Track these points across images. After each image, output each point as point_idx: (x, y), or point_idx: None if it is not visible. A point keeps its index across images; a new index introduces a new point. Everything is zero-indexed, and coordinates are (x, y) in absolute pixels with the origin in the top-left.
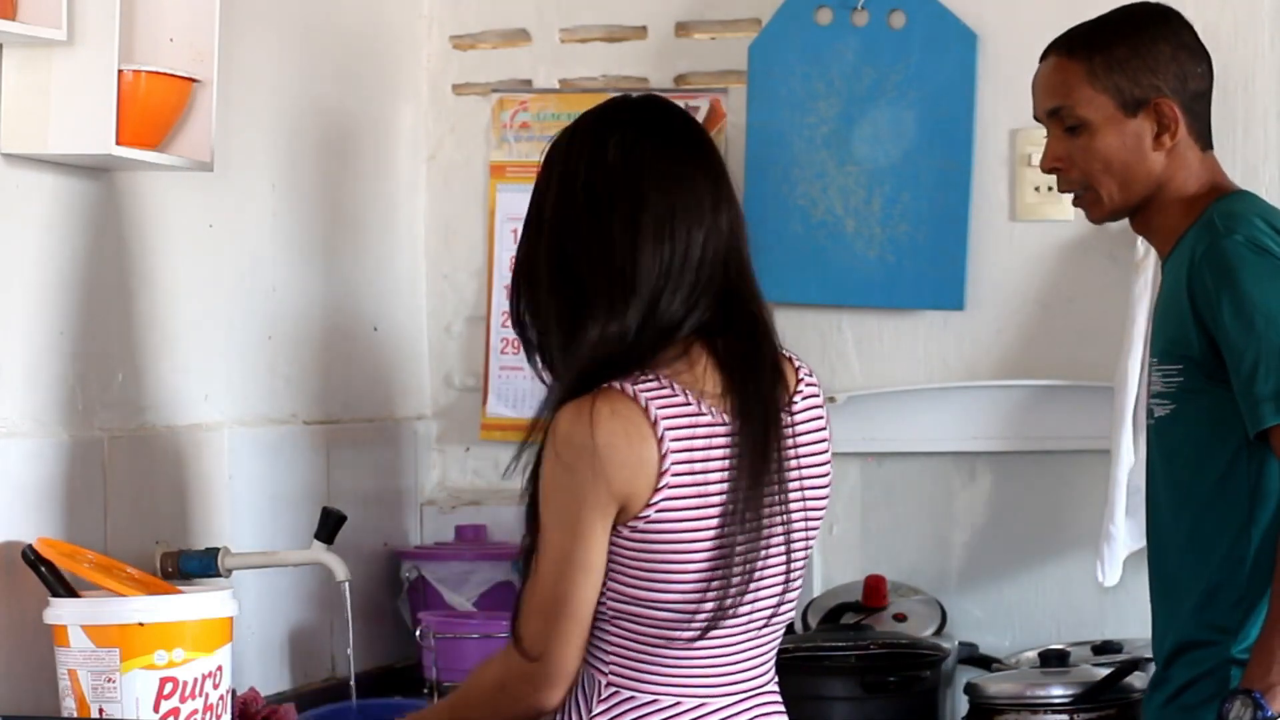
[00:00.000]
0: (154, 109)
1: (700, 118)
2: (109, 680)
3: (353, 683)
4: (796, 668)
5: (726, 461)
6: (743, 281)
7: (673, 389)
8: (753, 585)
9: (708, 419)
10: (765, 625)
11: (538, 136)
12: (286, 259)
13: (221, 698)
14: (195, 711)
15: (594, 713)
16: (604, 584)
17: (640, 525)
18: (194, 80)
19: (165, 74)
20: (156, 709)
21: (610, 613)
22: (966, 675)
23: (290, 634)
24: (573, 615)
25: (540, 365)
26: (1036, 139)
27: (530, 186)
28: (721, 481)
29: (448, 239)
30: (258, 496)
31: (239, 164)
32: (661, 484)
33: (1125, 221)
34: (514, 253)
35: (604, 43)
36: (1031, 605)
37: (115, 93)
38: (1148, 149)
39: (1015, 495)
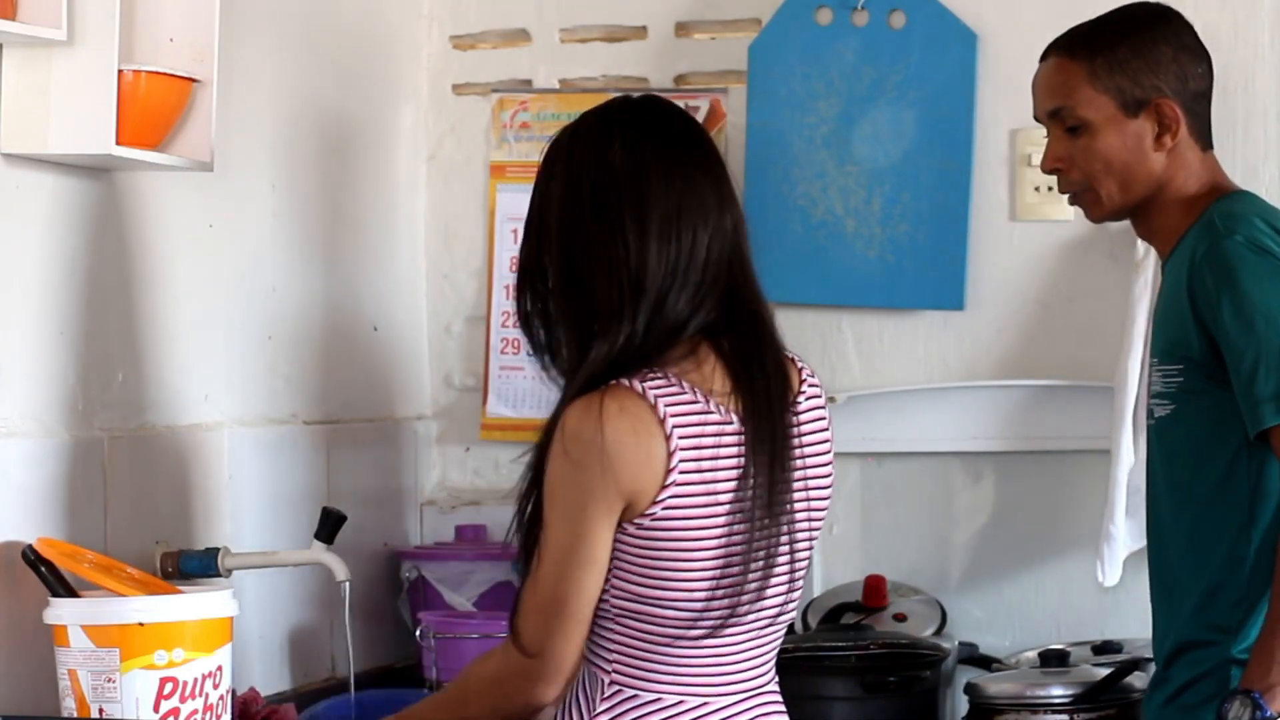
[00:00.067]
0: (154, 109)
1: (700, 118)
2: (109, 680)
3: (351, 681)
4: (796, 668)
5: (736, 460)
6: (746, 281)
7: (681, 386)
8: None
9: (716, 416)
10: (769, 625)
11: (538, 136)
12: (286, 259)
13: (221, 698)
14: (195, 711)
15: (597, 711)
16: (608, 581)
17: (646, 523)
18: (194, 80)
19: (165, 74)
20: (156, 709)
21: (614, 610)
22: (966, 675)
23: (290, 634)
24: (573, 612)
25: (547, 365)
26: (1036, 139)
27: (530, 187)
28: (730, 480)
29: (448, 239)
30: (258, 496)
31: (239, 164)
32: (669, 481)
33: (1126, 221)
34: (515, 253)
35: (604, 43)
36: (1031, 605)
37: (115, 93)
38: (1149, 149)
39: (1015, 495)
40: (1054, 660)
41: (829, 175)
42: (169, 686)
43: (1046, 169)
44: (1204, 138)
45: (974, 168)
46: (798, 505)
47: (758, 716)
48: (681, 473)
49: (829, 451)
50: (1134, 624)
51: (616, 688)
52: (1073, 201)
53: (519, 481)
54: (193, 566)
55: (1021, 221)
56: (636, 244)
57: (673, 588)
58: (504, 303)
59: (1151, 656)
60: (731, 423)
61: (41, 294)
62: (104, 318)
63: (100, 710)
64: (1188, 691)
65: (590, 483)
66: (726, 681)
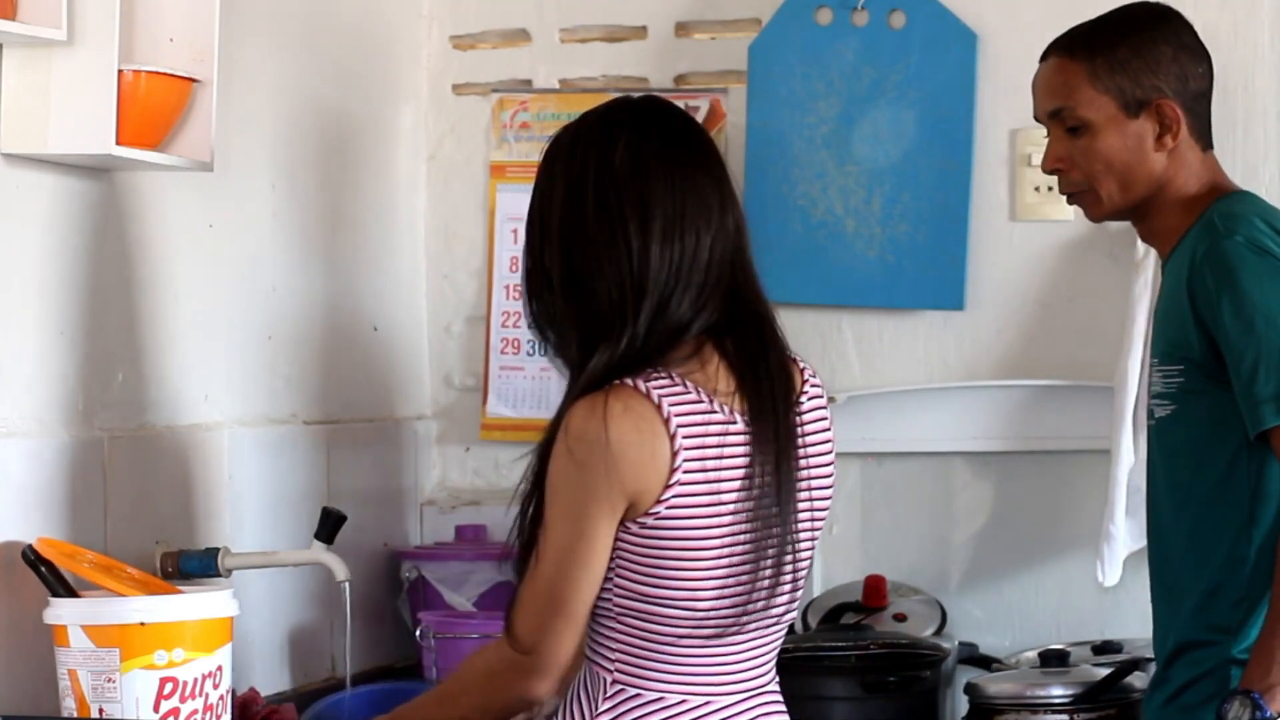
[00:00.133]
0: (154, 109)
1: (700, 118)
2: (109, 680)
3: (349, 680)
4: (796, 668)
5: (740, 460)
6: (748, 281)
7: (685, 386)
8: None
9: (720, 416)
10: (772, 625)
11: (538, 136)
12: (286, 259)
13: (221, 698)
14: (195, 711)
15: (599, 710)
16: (610, 580)
17: (650, 522)
18: (194, 80)
19: (165, 74)
20: (156, 709)
21: (616, 609)
22: (966, 675)
23: (290, 634)
24: (570, 610)
25: (559, 364)
26: (1036, 139)
27: (530, 187)
28: (734, 479)
29: (448, 239)
30: (258, 496)
31: (239, 164)
32: (673, 480)
33: (1126, 221)
34: (515, 253)
35: (604, 43)
36: (1031, 605)
37: (115, 93)
38: (1149, 150)
39: (1015, 495)
40: (1054, 660)
41: (829, 175)
42: (169, 686)
43: (1047, 169)
44: (1204, 138)
45: (974, 168)
46: (801, 505)
47: (759, 716)
48: (685, 472)
49: (831, 451)
50: (1134, 624)
51: (619, 687)
52: (1073, 201)
53: (521, 481)
54: (193, 566)
55: (1021, 221)
56: (639, 245)
57: (676, 587)
58: (504, 303)
59: (1151, 656)
60: (735, 423)
61: (41, 294)
62: (104, 318)
63: (100, 710)
64: (1188, 691)
65: (593, 482)
66: (729, 681)
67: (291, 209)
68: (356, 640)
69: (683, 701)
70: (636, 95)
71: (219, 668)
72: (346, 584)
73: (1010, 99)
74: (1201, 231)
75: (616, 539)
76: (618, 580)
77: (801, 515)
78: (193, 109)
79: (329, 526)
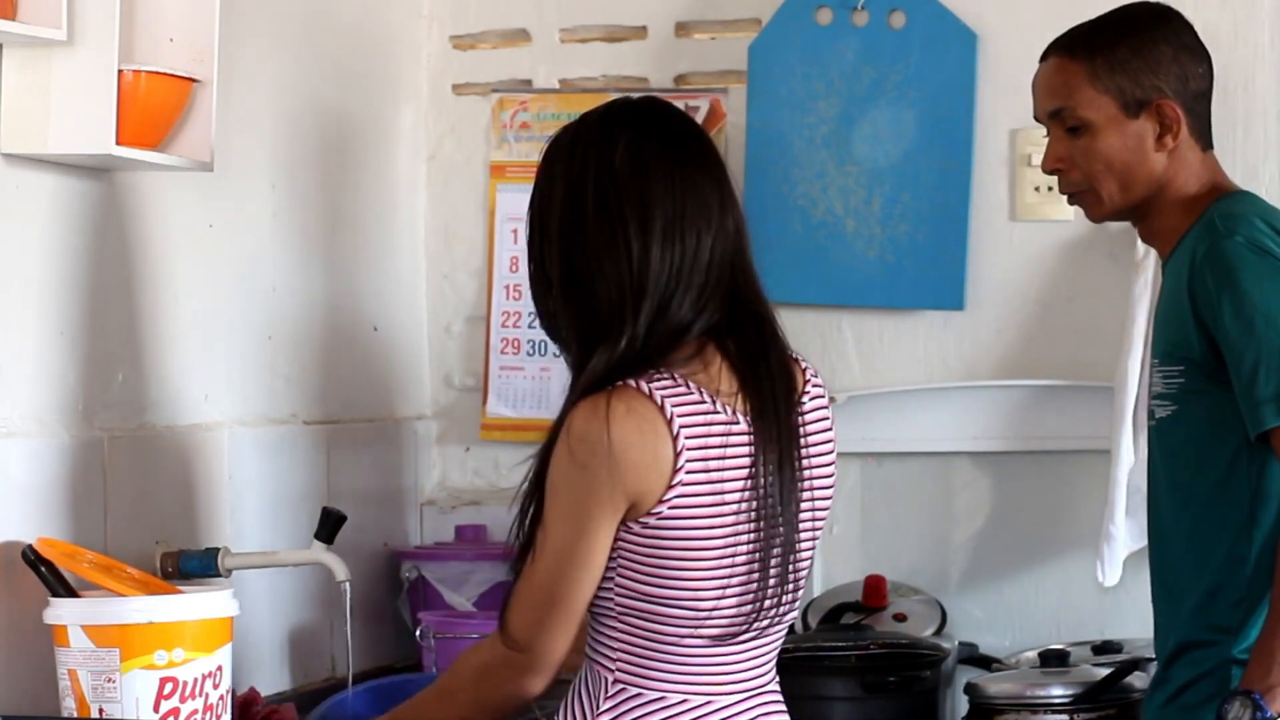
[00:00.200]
0: (154, 109)
1: (700, 118)
2: (109, 680)
3: (350, 681)
4: (796, 668)
5: (743, 460)
6: (748, 282)
7: (687, 386)
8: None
9: (723, 416)
10: (773, 625)
11: (538, 136)
12: (286, 259)
13: (221, 698)
14: (195, 711)
15: (600, 709)
16: (612, 580)
17: (652, 521)
18: (194, 80)
19: (165, 74)
20: (156, 709)
21: (618, 609)
22: (966, 675)
23: (290, 634)
24: (567, 609)
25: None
26: (1036, 139)
27: (530, 187)
28: (737, 479)
29: (448, 239)
30: (258, 496)
31: (239, 164)
32: (675, 481)
33: (1126, 221)
34: (515, 253)
35: (604, 43)
36: (1031, 605)
37: (115, 93)
38: (1149, 150)
39: (1015, 495)
40: (1054, 660)
41: (829, 175)
42: (169, 686)
43: (1047, 169)
44: (1204, 138)
45: (974, 168)
46: (803, 505)
47: (760, 716)
48: (688, 473)
49: (832, 451)
50: (1134, 624)
51: (620, 686)
52: (1073, 201)
53: (522, 481)
54: (193, 566)
55: (1021, 221)
56: (639, 246)
57: (678, 587)
58: (504, 303)
59: (1151, 656)
60: (738, 423)
61: (42, 294)
62: (104, 317)
63: (100, 710)
64: (1188, 691)
65: (594, 484)
66: (730, 681)
67: (291, 209)
68: (356, 640)
69: (684, 701)
70: (636, 96)
71: (219, 668)
72: (346, 584)
73: (1010, 99)
74: (1202, 232)
75: (618, 538)
76: (619, 580)
77: (803, 515)
78: (193, 109)
79: (329, 526)
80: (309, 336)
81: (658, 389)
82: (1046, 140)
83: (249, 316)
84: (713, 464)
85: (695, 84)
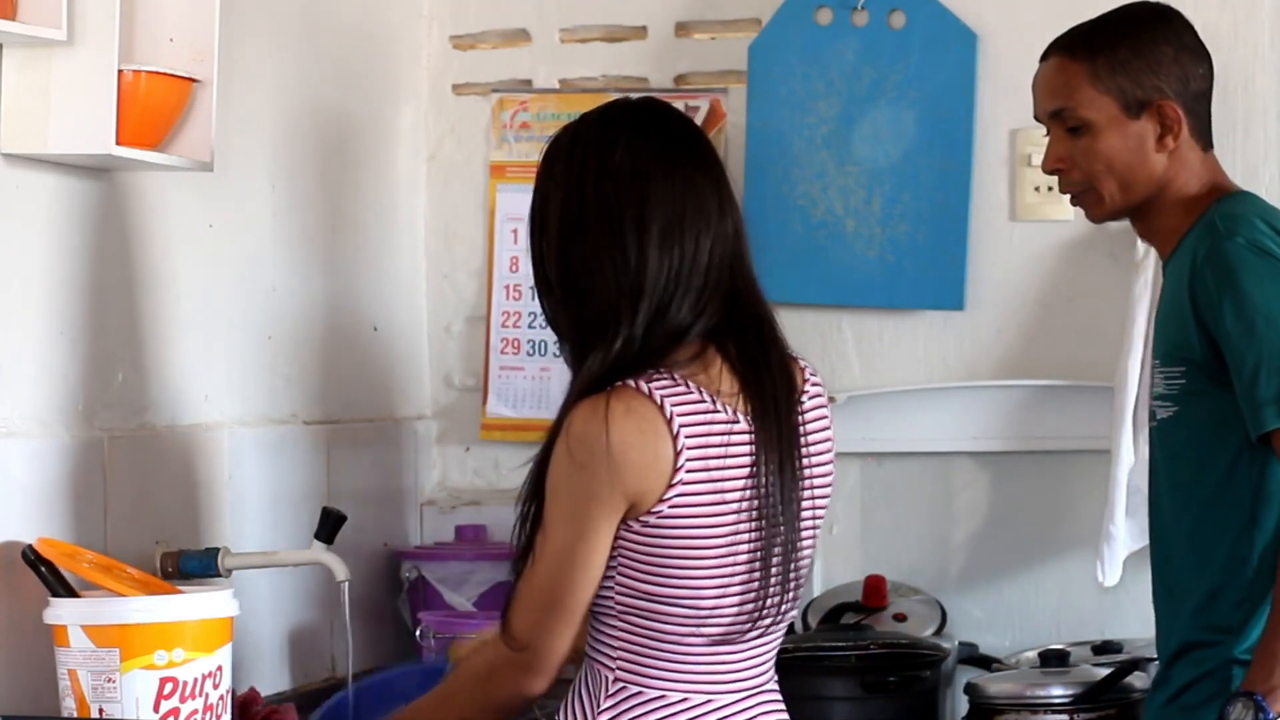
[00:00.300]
0: (154, 109)
1: (700, 118)
2: (109, 680)
3: (349, 681)
4: (796, 668)
5: (746, 459)
6: (747, 284)
7: (687, 386)
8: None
9: (723, 416)
10: (773, 624)
11: (538, 136)
12: (286, 259)
13: (221, 698)
14: (195, 711)
15: (601, 708)
16: (612, 579)
17: (652, 520)
18: (194, 80)
19: (165, 74)
20: (156, 709)
21: (618, 608)
22: (966, 675)
23: (290, 634)
24: (568, 609)
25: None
26: (1036, 139)
27: (530, 187)
28: (738, 479)
29: (448, 239)
30: (258, 496)
31: (239, 164)
32: (675, 480)
33: (1125, 221)
34: (515, 253)
35: (604, 43)
36: (1031, 605)
37: (115, 93)
38: (1150, 150)
39: (1015, 495)
40: (1054, 660)
41: (829, 175)
42: (169, 686)
43: (1048, 169)
44: (1205, 138)
45: (974, 168)
46: (803, 504)
47: (759, 715)
48: (689, 472)
49: (831, 450)
50: (1134, 624)
51: (620, 684)
52: (1074, 202)
53: (523, 483)
54: (193, 566)
55: (1021, 221)
56: (636, 249)
57: (678, 586)
58: (504, 303)
59: (1151, 656)
60: (739, 422)
61: (42, 294)
62: (104, 318)
63: (100, 710)
64: (1189, 691)
65: (594, 485)
66: (730, 680)
67: (291, 209)
68: (356, 640)
69: (684, 700)
70: (636, 96)
71: (219, 668)
72: (346, 584)
73: (1010, 99)
74: (1202, 233)
75: (619, 538)
76: (620, 579)
77: (804, 514)
78: (193, 109)
79: (329, 526)
80: (309, 336)
81: (657, 389)
82: (1047, 140)
83: (249, 316)
84: (713, 463)
85: (695, 84)
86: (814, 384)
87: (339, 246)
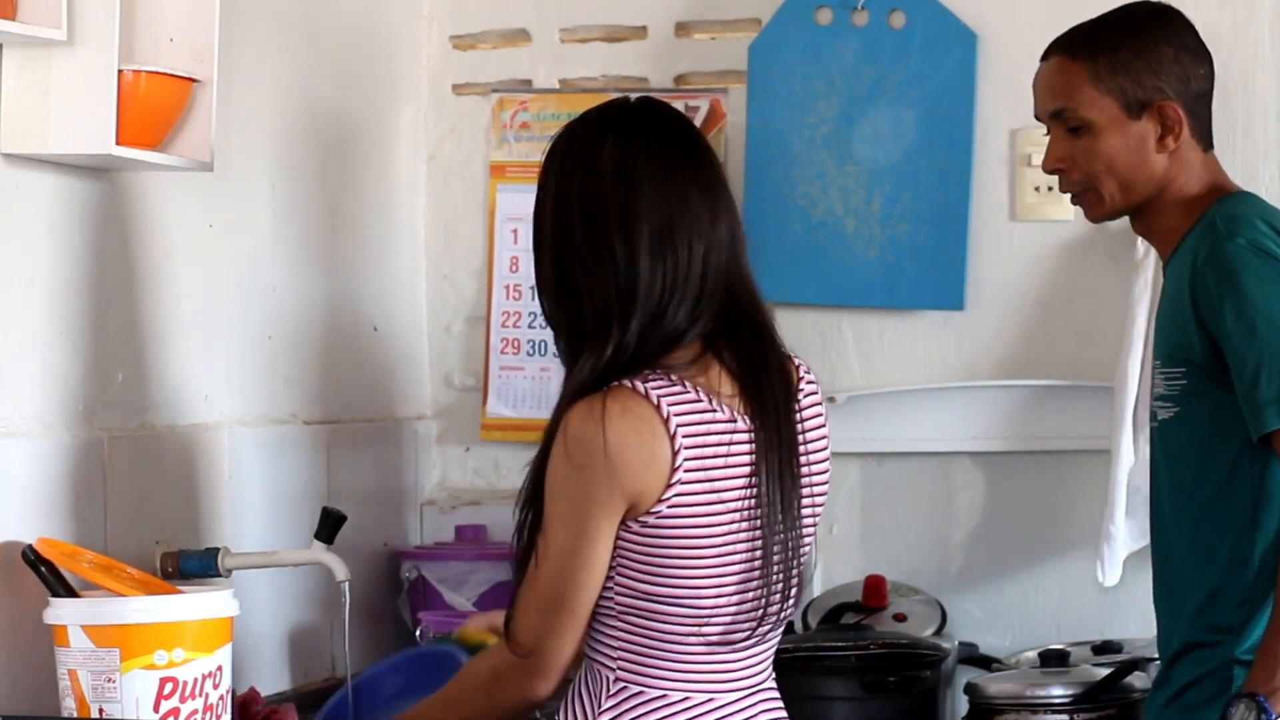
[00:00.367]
0: (154, 109)
1: (700, 118)
2: (109, 680)
3: (349, 681)
4: (796, 668)
5: (745, 459)
6: (744, 288)
7: (684, 386)
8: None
9: (721, 416)
10: (775, 625)
11: (538, 136)
12: (286, 259)
13: (221, 698)
14: (195, 711)
15: (602, 708)
16: (612, 579)
17: (651, 520)
18: (194, 80)
19: (165, 74)
20: (156, 709)
21: (618, 608)
22: (966, 675)
23: (290, 634)
24: (571, 612)
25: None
26: (1036, 139)
27: (530, 186)
28: (737, 479)
29: (448, 239)
30: (258, 496)
31: (239, 164)
32: (674, 479)
33: (1125, 221)
34: (515, 253)
35: (604, 43)
36: (1031, 605)
37: (115, 93)
38: (1151, 151)
39: (1015, 495)
40: (1054, 660)
41: (829, 175)
42: (169, 686)
43: (1048, 169)
44: (1205, 138)
45: (974, 168)
46: (803, 503)
47: (760, 714)
48: (686, 471)
49: (828, 447)
50: (1134, 624)
51: (621, 684)
52: (1074, 202)
53: (522, 487)
54: (193, 566)
55: (1021, 221)
56: (625, 258)
57: (678, 586)
58: (504, 303)
59: (1150, 656)
60: (737, 422)
61: (42, 294)
62: (104, 318)
63: (100, 710)
64: (1190, 691)
65: (593, 486)
66: (730, 679)
67: (291, 209)
68: (356, 640)
69: (685, 699)
70: (634, 96)
71: (219, 668)
72: (346, 584)
73: (1010, 99)
74: (1203, 233)
75: (618, 538)
76: (619, 579)
77: (804, 512)
78: (193, 109)
79: (329, 526)
80: (309, 336)
81: (653, 388)
82: (1047, 140)
83: (249, 316)
84: (710, 462)
85: (695, 84)
86: (808, 381)
87: (339, 246)
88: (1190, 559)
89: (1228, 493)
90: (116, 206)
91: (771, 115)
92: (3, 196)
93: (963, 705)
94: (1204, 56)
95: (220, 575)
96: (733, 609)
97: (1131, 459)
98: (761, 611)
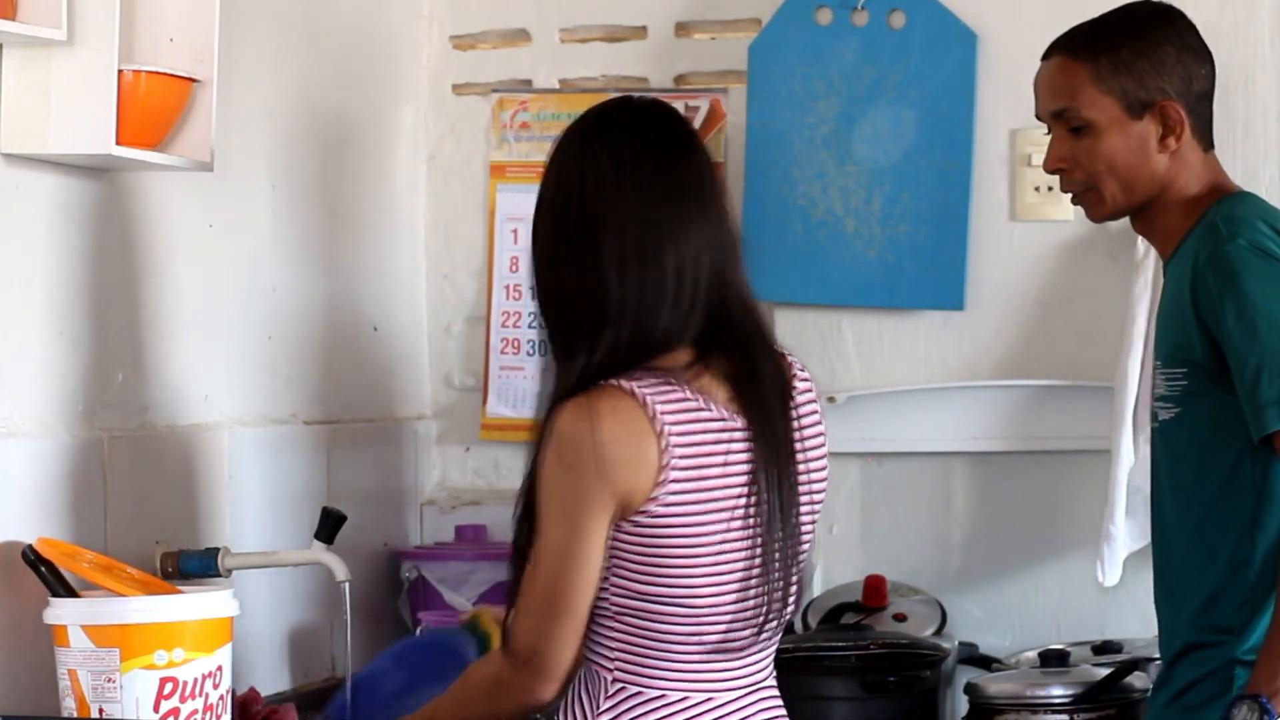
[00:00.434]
0: (154, 109)
1: (700, 118)
2: (109, 680)
3: (349, 682)
4: (796, 668)
5: (741, 458)
6: (734, 294)
7: (674, 385)
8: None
9: (713, 414)
10: (776, 625)
11: (538, 136)
12: (286, 259)
13: (221, 698)
14: (195, 711)
15: (600, 709)
16: (607, 580)
17: (643, 520)
18: (194, 80)
19: (165, 74)
20: (156, 709)
21: (614, 608)
22: (966, 675)
23: (290, 634)
24: (569, 613)
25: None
26: (1036, 139)
27: (530, 186)
28: (732, 478)
29: (448, 239)
30: (258, 496)
31: (239, 164)
32: (664, 479)
33: (1125, 221)
34: (515, 253)
35: (604, 43)
36: (1031, 605)
37: (115, 93)
38: (1152, 151)
39: (1015, 495)
40: (1054, 660)
41: (829, 175)
42: (169, 686)
43: (1049, 169)
44: (1206, 138)
45: (974, 168)
46: (801, 501)
47: (759, 712)
48: (676, 470)
49: (824, 444)
50: (1134, 624)
51: (619, 685)
52: (1075, 201)
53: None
54: (193, 566)
55: (1021, 221)
56: (593, 268)
57: (673, 585)
58: (504, 303)
59: (1151, 656)
60: (729, 420)
61: (42, 294)
62: (104, 318)
63: (100, 710)
64: (1191, 691)
65: (584, 485)
66: (729, 678)
67: (291, 209)
68: (356, 640)
69: (684, 699)
70: (623, 96)
71: (219, 668)
72: (346, 584)
73: (1010, 99)
74: (1204, 234)
75: (612, 538)
76: (615, 579)
77: (802, 512)
78: (193, 109)
79: (329, 526)
80: (309, 336)
81: (641, 387)
82: (1048, 139)
83: (249, 316)
84: (703, 461)
85: (695, 84)
86: (802, 378)
87: (339, 246)
88: (1191, 559)
89: (1229, 493)
90: (116, 206)
91: (771, 115)
92: (3, 196)
93: (963, 705)
94: (1205, 56)
95: (220, 575)
96: (731, 613)
97: (1131, 459)
98: (762, 618)
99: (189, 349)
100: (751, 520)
